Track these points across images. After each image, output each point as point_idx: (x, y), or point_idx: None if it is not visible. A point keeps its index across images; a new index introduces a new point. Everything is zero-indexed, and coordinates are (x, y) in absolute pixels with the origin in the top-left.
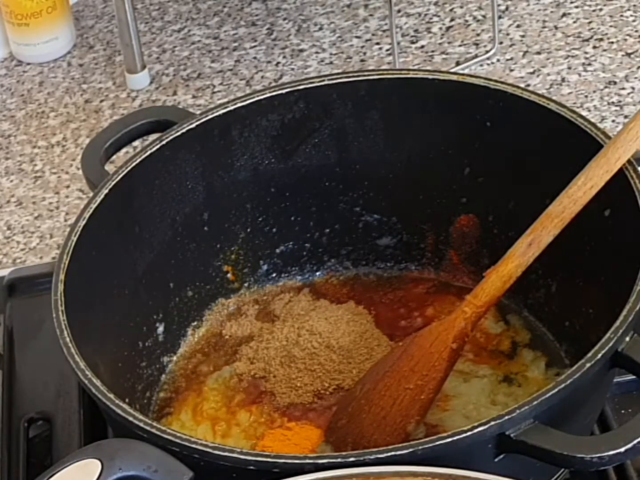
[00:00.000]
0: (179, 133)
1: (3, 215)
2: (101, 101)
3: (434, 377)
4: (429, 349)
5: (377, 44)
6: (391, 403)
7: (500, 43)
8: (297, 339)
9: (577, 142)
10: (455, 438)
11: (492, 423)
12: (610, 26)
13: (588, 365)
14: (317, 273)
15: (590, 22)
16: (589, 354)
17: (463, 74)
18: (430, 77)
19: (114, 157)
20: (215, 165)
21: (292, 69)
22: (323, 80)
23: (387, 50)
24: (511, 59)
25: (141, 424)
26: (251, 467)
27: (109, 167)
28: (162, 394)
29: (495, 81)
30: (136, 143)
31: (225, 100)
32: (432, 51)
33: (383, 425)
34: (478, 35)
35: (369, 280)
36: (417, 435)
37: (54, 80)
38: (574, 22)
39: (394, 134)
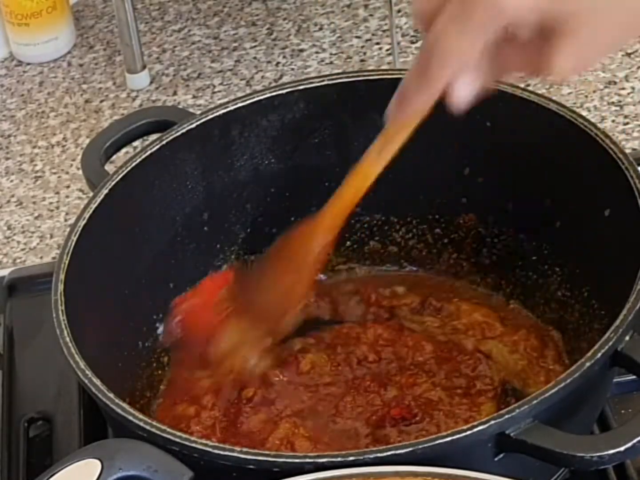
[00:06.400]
0: (179, 133)
1: (3, 215)
2: (101, 101)
3: (302, 278)
4: (295, 253)
5: (377, 44)
6: (274, 290)
7: None
8: None
9: (576, 142)
10: (455, 437)
11: (492, 422)
12: None
13: (588, 364)
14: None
15: None
16: (589, 354)
17: None
18: None
19: (114, 157)
20: (215, 165)
21: (292, 69)
22: (323, 80)
23: (387, 50)
24: None
25: (141, 424)
26: (251, 467)
27: (109, 167)
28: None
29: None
30: (136, 143)
31: (225, 100)
32: None
33: (268, 310)
34: None
35: (369, 280)
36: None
37: (54, 80)
38: None
39: None
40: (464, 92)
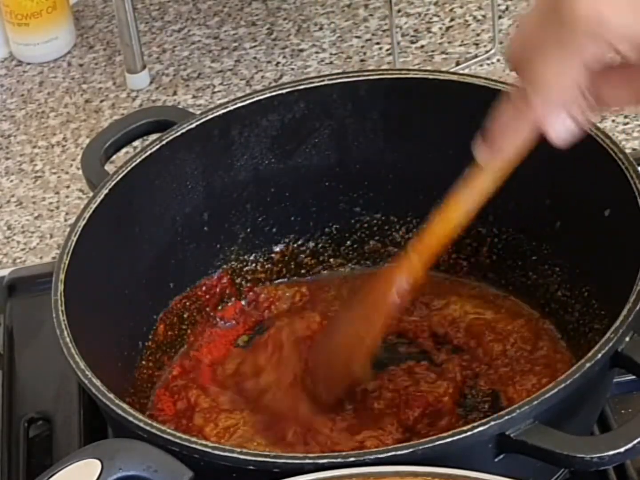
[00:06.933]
0: (179, 133)
1: (3, 215)
2: (101, 101)
3: (378, 324)
4: (374, 299)
5: (377, 44)
6: (342, 343)
7: (500, 43)
8: None
9: (577, 142)
10: (455, 438)
11: (492, 423)
12: None
13: (588, 365)
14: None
15: None
16: (589, 354)
17: (463, 74)
18: (430, 77)
19: (114, 157)
20: (215, 165)
21: (292, 69)
22: (323, 80)
23: (387, 50)
24: None
25: (141, 424)
26: (251, 467)
27: (109, 167)
28: None
29: (495, 81)
30: (136, 143)
31: (225, 100)
32: (432, 51)
33: (334, 363)
34: (478, 35)
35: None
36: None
37: (54, 80)
38: None
39: (394, 134)
40: (564, 128)
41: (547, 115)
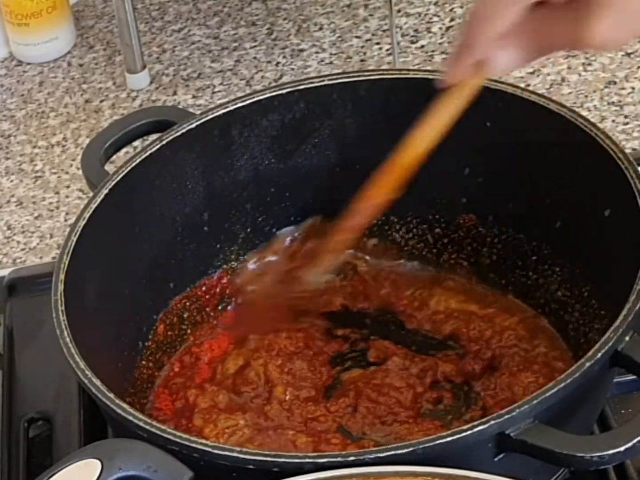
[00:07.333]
0: (179, 133)
1: (3, 215)
2: (101, 101)
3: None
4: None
5: (377, 44)
6: None
7: None
8: None
9: (576, 142)
10: (455, 437)
11: (492, 422)
12: None
13: (588, 364)
14: None
15: None
16: (589, 354)
17: None
18: (430, 77)
19: (114, 157)
20: (215, 165)
21: (292, 69)
22: (323, 80)
23: (387, 50)
24: None
25: (141, 424)
26: (251, 467)
27: (109, 167)
28: None
29: (495, 81)
30: (136, 143)
31: (225, 100)
32: (432, 51)
33: None
34: None
35: (373, 274)
36: None
37: (54, 80)
38: None
39: (394, 134)
40: (503, 63)
41: (489, 48)
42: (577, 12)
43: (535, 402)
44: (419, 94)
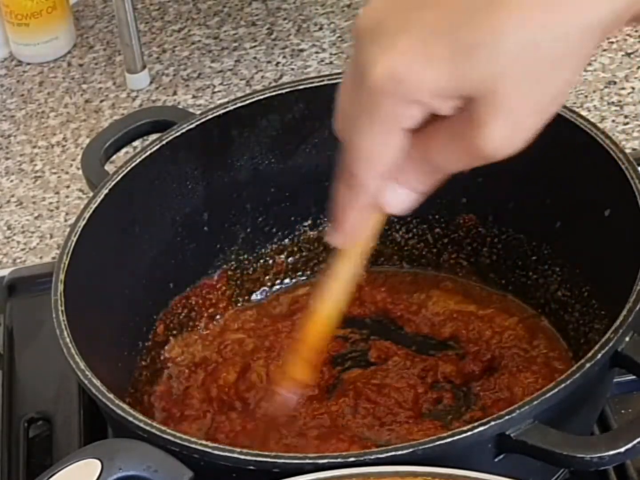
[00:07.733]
0: (179, 133)
1: (3, 215)
2: (101, 101)
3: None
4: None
5: None
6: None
7: None
8: None
9: (576, 142)
10: (455, 438)
11: (492, 423)
12: None
13: (588, 365)
14: (318, 273)
15: None
16: (589, 354)
17: None
18: None
19: (114, 157)
20: (215, 165)
21: (292, 69)
22: (323, 80)
23: None
24: None
25: (141, 424)
26: (251, 467)
27: (109, 167)
28: None
29: None
30: (136, 143)
31: (225, 100)
32: None
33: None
34: None
35: (369, 280)
36: None
37: (54, 80)
38: None
39: None
40: (398, 201)
41: (379, 190)
42: (465, 122)
43: (535, 402)
44: None
